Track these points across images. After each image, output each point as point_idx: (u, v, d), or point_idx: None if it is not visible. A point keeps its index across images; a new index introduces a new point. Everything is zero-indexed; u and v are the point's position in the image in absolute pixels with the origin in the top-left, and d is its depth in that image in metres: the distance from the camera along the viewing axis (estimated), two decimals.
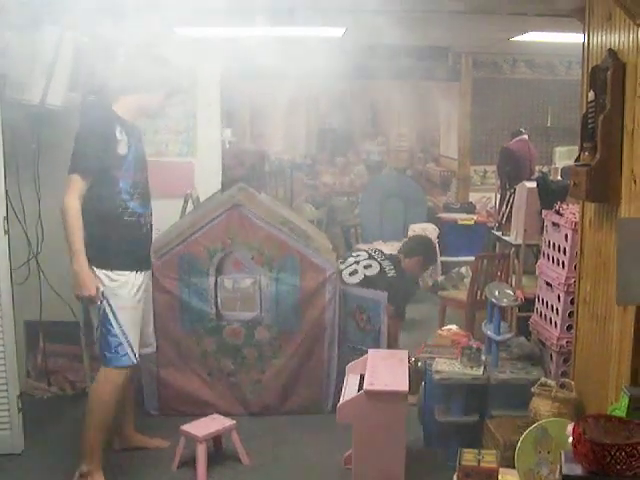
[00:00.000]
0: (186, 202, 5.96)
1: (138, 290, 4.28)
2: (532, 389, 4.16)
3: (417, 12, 5.05)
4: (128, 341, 4.21)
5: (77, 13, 4.75)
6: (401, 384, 3.90)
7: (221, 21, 6.02)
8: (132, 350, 4.23)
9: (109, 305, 4.15)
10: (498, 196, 8.35)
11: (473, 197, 10.16)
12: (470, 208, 9.70)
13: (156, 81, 4.28)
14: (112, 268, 4.16)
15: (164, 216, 5.58)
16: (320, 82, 9.46)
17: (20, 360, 5.43)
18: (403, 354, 4.37)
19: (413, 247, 6.43)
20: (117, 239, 4.18)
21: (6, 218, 4.49)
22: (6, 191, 4.60)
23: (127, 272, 4.22)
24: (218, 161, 6.46)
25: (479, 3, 4.94)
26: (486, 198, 10.00)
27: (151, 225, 4.45)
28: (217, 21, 6.03)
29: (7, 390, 4.55)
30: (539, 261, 5.25)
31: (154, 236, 4.80)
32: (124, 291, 4.19)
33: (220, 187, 6.06)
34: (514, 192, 7.11)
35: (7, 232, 4.51)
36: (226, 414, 4.80)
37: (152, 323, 4.69)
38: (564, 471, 2.67)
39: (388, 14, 5.67)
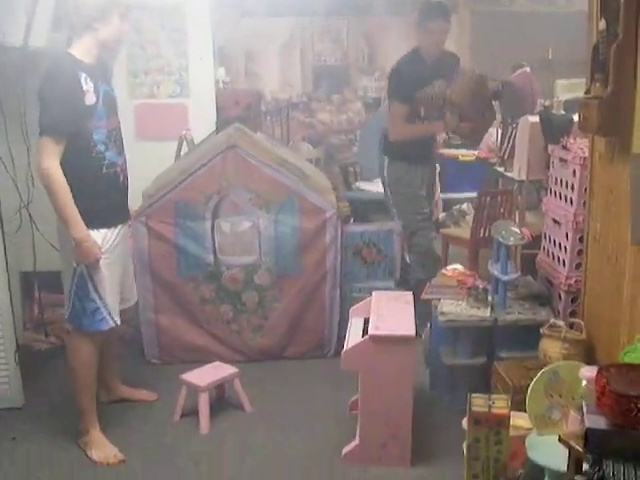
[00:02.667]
0: (180, 144, 5.81)
1: (116, 246, 4.06)
2: (541, 330, 4.06)
3: None
4: (105, 305, 4.01)
5: None
6: (408, 328, 3.78)
7: None
8: (109, 313, 4.03)
9: (86, 268, 3.93)
10: (500, 131, 8.18)
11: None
12: (471, 144, 9.52)
13: (104, 7, 3.85)
14: (92, 227, 3.90)
15: (159, 159, 5.44)
16: (315, 18, 9.29)
17: (17, 312, 5.35)
18: (408, 296, 4.25)
19: None
20: (96, 195, 3.92)
21: None
22: None
23: (105, 229, 3.98)
24: (212, 101, 6.27)
25: None
26: (488, 133, 9.81)
27: (127, 174, 4.17)
28: None
29: (4, 344, 4.47)
30: (545, 198, 5.11)
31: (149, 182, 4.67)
32: (103, 251, 3.96)
33: (215, 128, 5.90)
34: (516, 127, 6.96)
35: None
36: (227, 361, 4.71)
37: (132, 275, 4.49)
38: (587, 424, 2.55)
39: None
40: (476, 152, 9.10)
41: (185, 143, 5.79)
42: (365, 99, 12.20)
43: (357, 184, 8.81)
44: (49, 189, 3.77)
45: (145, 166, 5.20)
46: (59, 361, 4.70)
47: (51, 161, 3.73)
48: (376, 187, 7.20)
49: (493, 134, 8.81)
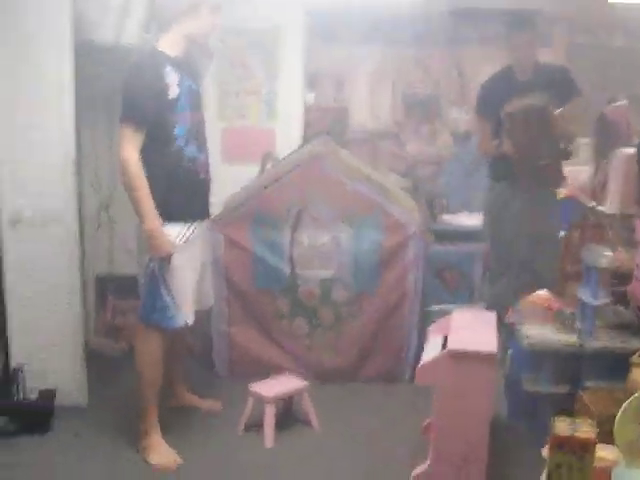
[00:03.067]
0: (265, 161, 5.74)
1: (191, 243, 4.00)
2: (631, 359, 3.82)
3: None
4: (175, 302, 3.94)
5: None
6: (490, 344, 3.59)
7: None
8: (181, 312, 3.97)
9: (157, 264, 3.88)
10: (593, 166, 7.93)
11: (565, 170, 9.69)
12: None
13: (191, 1, 3.87)
14: (166, 220, 3.86)
15: (244, 182, 5.36)
16: (406, 47, 9.17)
17: (90, 316, 5.33)
18: (491, 315, 4.06)
19: None
20: (172, 189, 3.89)
21: (75, 161, 4.30)
22: (78, 135, 4.44)
23: (180, 224, 3.94)
24: (300, 127, 6.22)
25: None
26: (578, 171, 9.55)
27: (208, 170, 4.14)
28: None
29: (72, 343, 4.46)
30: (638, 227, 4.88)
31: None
32: (177, 247, 3.91)
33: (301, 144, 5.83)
34: (610, 160, 6.73)
35: (75, 175, 4.31)
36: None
37: (209, 277, 4.39)
38: None
39: None
40: (566, 190, 8.85)
41: (270, 161, 5.72)
42: (455, 131, 12.05)
43: (443, 217, 8.64)
44: (126, 177, 3.76)
45: (230, 189, 5.16)
46: (127, 367, 4.64)
47: (129, 151, 3.73)
48: (462, 220, 7.04)
49: (582, 171, 8.57)
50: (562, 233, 5.65)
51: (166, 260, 3.86)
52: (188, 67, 4.01)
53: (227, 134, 6.35)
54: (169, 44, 3.91)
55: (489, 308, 4.91)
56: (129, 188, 3.77)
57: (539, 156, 5.09)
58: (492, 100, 5.14)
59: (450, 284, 5.07)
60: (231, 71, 6.91)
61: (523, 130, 4.86)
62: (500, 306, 4.72)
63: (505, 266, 5.19)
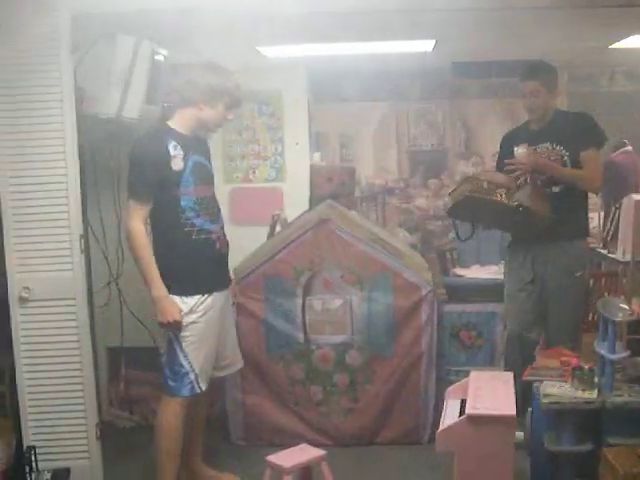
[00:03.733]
0: (274, 224, 5.72)
1: (210, 313, 4.04)
2: None
3: (513, 10, 4.66)
4: (194, 370, 3.99)
5: (158, 31, 4.62)
6: (508, 408, 3.52)
7: (307, 38, 5.81)
8: (197, 379, 4.01)
9: (172, 332, 3.96)
10: (602, 213, 7.88)
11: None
12: None
13: (215, 93, 4.01)
14: (183, 294, 3.94)
15: (254, 244, 5.34)
16: (410, 102, 9.22)
17: (103, 387, 5.30)
18: (508, 376, 3.99)
19: None
20: (186, 261, 3.97)
21: (82, 236, 4.28)
22: (84, 209, 4.44)
23: (198, 296, 3.99)
24: (307, 186, 6.22)
25: None
26: (589, 218, 9.50)
27: (225, 241, 4.19)
28: (302, 38, 5.81)
29: (85, 418, 4.37)
30: None
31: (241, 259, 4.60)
32: (194, 317, 3.97)
33: (308, 207, 5.82)
34: (619, 207, 6.69)
35: (83, 251, 4.29)
36: (316, 444, 4.45)
37: (231, 344, 4.42)
38: None
39: (478, 25, 5.36)
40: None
41: (279, 223, 5.70)
42: None
43: (454, 270, 8.59)
44: (131, 247, 3.90)
45: (240, 251, 5.14)
46: (142, 440, 4.59)
47: (134, 223, 3.85)
48: (474, 273, 6.98)
49: (595, 219, 8.54)
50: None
51: (177, 327, 3.90)
52: (196, 144, 4.09)
53: (235, 195, 6.34)
54: (180, 122, 4.02)
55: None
56: (135, 257, 3.91)
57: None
58: (501, 149, 5.11)
59: (468, 345, 4.99)
60: (236, 135, 6.94)
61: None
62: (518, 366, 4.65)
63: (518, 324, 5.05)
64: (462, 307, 5.07)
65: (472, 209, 4.76)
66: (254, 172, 6.84)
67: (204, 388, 4.07)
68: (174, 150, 3.90)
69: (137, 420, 5.32)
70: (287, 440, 4.66)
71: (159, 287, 3.87)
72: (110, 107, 4.42)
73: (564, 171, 4.83)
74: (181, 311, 3.92)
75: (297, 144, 6.83)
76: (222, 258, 4.19)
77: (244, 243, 5.27)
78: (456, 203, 4.78)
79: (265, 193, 6.41)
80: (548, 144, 4.87)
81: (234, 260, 5.07)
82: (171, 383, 4.00)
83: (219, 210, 4.19)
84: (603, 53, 7.38)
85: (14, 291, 4.22)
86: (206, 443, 4.70)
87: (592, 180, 4.91)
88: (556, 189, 4.84)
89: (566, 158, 4.82)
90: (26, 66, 4.11)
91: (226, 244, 4.20)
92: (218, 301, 4.13)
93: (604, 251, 6.96)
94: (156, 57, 4.61)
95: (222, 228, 4.17)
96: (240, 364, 4.51)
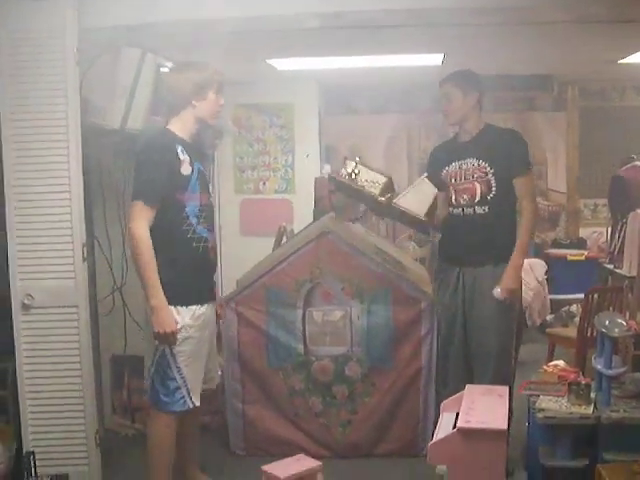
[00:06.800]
0: (280, 235, 5.75)
1: (205, 324, 4.03)
2: None
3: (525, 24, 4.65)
4: (186, 385, 3.94)
5: (165, 44, 4.68)
6: (500, 422, 3.52)
7: (317, 52, 5.85)
8: (189, 394, 3.96)
9: (167, 345, 3.89)
10: (609, 228, 7.90)
11: (583, 232, 9.65)
12: (580, 244, 9.25)
13: (201, 85, 3.95)
14: (178, 303, 3.88)
15: (262, 254, 5.36)
16: (420, 114, 9.24)
17: (106, 395, 5.33)
18: (503, 390, 3.99)
19: None
20: (185, 269, 3.92)
21: (84, 245, 4.32)
22: (89, 218, 4.47)
23: (193, 307, 3.95)
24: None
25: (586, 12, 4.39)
26: (597, 233, 9.51)
27: (216, 252, 4.19)
28: (313, 52, 5.85)
29: (85, 424, 4.39)
30: None
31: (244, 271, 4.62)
32: (190, 332, 3.94)
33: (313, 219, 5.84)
34: (626, 222, 6.71)
35: (85, 260, 4.33)
36: (315, 456, 4.49)
37: (215, 357, 4.40)
38: None
39: (488, 40, 5.38)
40: (586, 252, 8.82)
41: (285, 235, 5.73)
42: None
43: None
44: (134, 251, 3.79)
45: (248, 261, 5.18)
46: (143, 448, 4.60)
47: (139, 223, 3.75)
48: None
49: (603, 233, 8.55)
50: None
51: (172, 339, 3.85)
52: (198, 151, 4.07)
53: (245, 206, 6.38)
54: (179, 127, 3.98)
55: None
56: (136, 262, 3.81)
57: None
58: (429, 162, 4.91)
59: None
60: (248, 147, 6.99)
61: None
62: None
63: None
64: None
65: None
66: (264, 184, 6.88)
67: (197, 403, 4.03)
68: (182, 155, 3.87)
69: (139, 428, 5.33)
70: (286, 450, 4.65)
71: (159, 296, 3.79)
72: (114, 118, 4.46)
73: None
74: (177, 323, 3.86)
75: (307, 156, 6.89)
76: (213, 268, 4.18)
77: (254, 253, 5.31)
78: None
79: (275, 205, 6.45)
80: (474, 159, 4.52)
81: (243, 270, 5.13)
82: (163, 398, 3.94)
83: (214, 220, 4.19)
84: (614, 68, 7.39)
85: (17, 298, 4.26)
86: (206, 453, 4.73)
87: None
88: (481, 210, 4.51)
89: (490, 176, 4.47)
90: (32, 77, 4.16)
91: (216, 255, 4.19)
92: (210, 313, 4.13)
93: (610, 266, 6.98)
94: (161, 69, 4.67)
95: (215, 239, 4.16)
96: (216, 381, 4.48)
